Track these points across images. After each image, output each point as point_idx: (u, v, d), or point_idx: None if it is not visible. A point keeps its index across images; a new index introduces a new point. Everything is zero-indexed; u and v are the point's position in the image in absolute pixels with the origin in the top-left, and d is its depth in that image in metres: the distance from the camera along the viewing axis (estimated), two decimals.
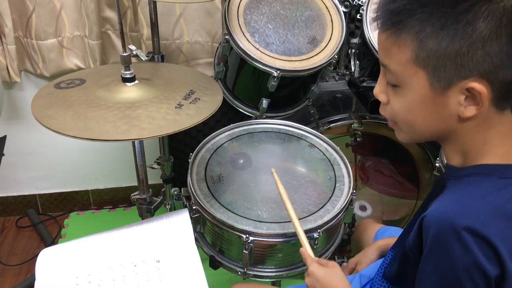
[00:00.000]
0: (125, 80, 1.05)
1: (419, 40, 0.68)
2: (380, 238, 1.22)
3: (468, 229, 0.66)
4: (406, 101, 0.74)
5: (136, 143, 1.11)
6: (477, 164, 0.74)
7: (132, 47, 1.01)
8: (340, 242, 1.29)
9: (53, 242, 2.00)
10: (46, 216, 2.16)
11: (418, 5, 0.67)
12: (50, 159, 2.07)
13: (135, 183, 2.17)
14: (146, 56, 1.33)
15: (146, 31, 1.72)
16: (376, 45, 1.49)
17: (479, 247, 0.66)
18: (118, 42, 1.80)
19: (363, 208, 1.39)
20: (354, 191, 1.21)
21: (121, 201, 2.23)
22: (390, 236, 1.21)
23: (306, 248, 1.01)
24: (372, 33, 1.51)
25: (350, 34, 1.73)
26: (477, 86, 0.67)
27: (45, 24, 1.72)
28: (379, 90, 0.80)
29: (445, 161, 0.83)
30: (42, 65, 1.79)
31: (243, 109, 1.55)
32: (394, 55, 0.72)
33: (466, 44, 0.66)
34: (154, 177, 1.71)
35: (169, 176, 1.64)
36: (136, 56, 1.03)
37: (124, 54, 1.01)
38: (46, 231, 2.06)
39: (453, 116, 0.72)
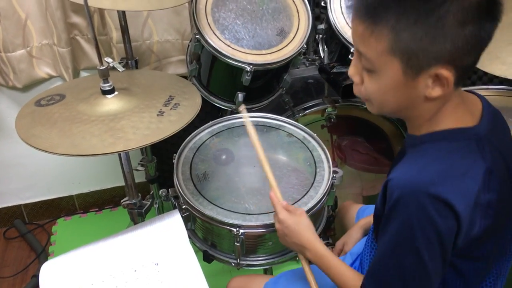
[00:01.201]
0: (105, 92, 1.07)
1: (395, 32, 0.73)
2: (361, 217, 1.30)
3: (427, 193, 0.74)
4: (380, 85, 0.81)
5: (122, 152, 1.14)
6: (431, 132, 0.83)
7: (109, 59, 1.03)
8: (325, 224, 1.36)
9: (44, 250, 2.01)
10: (34, 225, 2.17)
11: (393, 0, 0.73)
12: (31, 169, 2.07)
13: (119, 184, 2.22)
14: (120, 62, 1.35)
15: (115, 34, 1.73)
16: (341, 30, 1.55)
17: (435, 207, 0.74)
18: (88, 47, 1.81)
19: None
20: (335, 175, 1.28)
21: (107, 202, 2.26)
22: (370, 214, 1.29)
23: (276, 192, 1.08)
24: (337, 19, 1.55)
25: (316, 18, 1.77)
26: (445, 72, 0.74)
27: (12, 36, 1.71)
28: (354, 72, 0.85)
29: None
30: (13, 77, 1.79)
31: (219, 104, 1.59)
32: (371, 45, 0.77)
33: (437, 36, 0.72)
34: (137, 177, 1.74)
35: (153, 176, 1.67)
36: (113, 68, 1.05)
37: (102, 67, 1.03)
38: (35, 240, 2.07)
39: (420, 96, 0.79)
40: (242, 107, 1.23)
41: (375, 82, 0.81)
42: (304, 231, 1.03)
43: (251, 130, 1.14)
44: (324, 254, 0.99)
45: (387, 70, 0.78)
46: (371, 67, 0.80)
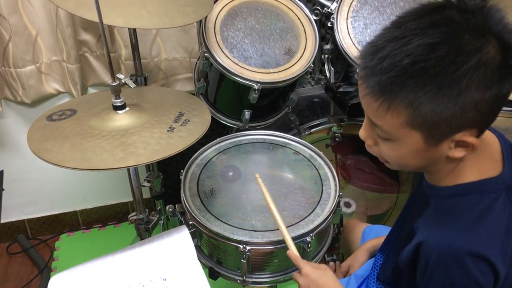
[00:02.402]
0: (116, 108, 1.09)
1: (413, 108, 0.69)
2: (367, 238, 1.30)
3: (468, 252, 0.73)
4: (399, 152, 0.78)
5: (131, 167, 1.15)
6: (457, 184, 0.80)
7: (121, 76, 1.05)
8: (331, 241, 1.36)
9: (47, 266, 2.01)
10: (37, 240, 2.16)
11: (409, 77, 0.68)
12: (35, 184, 2.08)
13: (123, 200, 2.22)
14: (130, 79, 1.36)
15: (124, 51, 1.75)
16: (347, 50, 1.56)
17: (477, 266, 0.73)
18: (96, 64, 1.83)
19: (347, 205, 1.46)
20: (341, 193, 1.28)
21: (110, 218, 2.25)
22: (375, 235, 1.29)
23: (294, 251, 1.07)
24: (343, 40, 1.57)
25: (321, 39, 1.80)
26: (470, 139, 0.72)
27: (22, 52, 1.73)
28: (366, 136, 0.82)
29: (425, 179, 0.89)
30: (22, 92, 1.80)
31: (226, 121, 1.61)
32: (387, 120, 0.73)
33: (459, 108, 0.68)
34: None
35: (159, 192, 1.67)
36: (125, 84, 1.07)
37: (114, 83, 1.05)
38: (38, 255, 2.07)
39: (442, 157, 0.77)
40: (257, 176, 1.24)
41: (393, 150, 0.78)
42: (331, 284, 1.00)
43: (269, 198, 1.16)
44: None
45: (406, 141, 0.75)
46: (388, 137, 0.77)
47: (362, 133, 0.82)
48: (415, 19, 0.70)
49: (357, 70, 0.76)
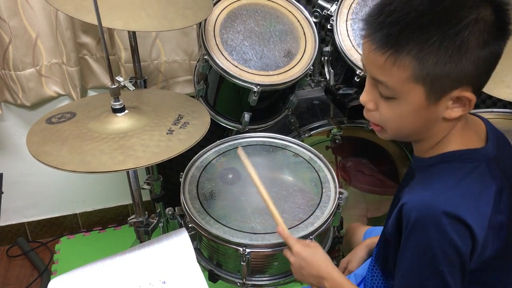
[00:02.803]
0: (116, 111, 1.08)
1: (419, 59, 0.73)
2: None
3: (444, 213, 0.75)
4: (399, 111, 0.80)
5: (130, 170, 1.15)
6: (441, 153, 0.83)
7: (120, 78, 1.05)
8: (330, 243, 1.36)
9: (47, 269, 2.00)
10: (37, 243, 2.16)
11: (415, 29, 0.72)
12: (35, 187, 2.08)
13: (123, 203, 2.22)
14: (130, 81, 1.37)
15: (123, 54, 1.75)
16: (347, 52, 1.56)
17: (454, 228, 0.75)
18: (96, 67, 1.83)
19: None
20: (340, 196, 1.28)
21: (110, 221, 2.25)
22: (376, 235, 1.28)
23: (284, 228, 1.08)
24: (343, 42, 1.57)
25: (321, 41, 1.80)
26: (468, 94, 0.76)
27: (22, 55, 1.73)
28: (368, 99, 0.84)
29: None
30: (22, 95, 1.81)
31: (225, 124, 1.60)
32: (393, 74, 0.76)
33: (460, 59, 0.72)
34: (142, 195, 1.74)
35: (159, 195, 1.67)
36: (124, 87, 1.07)
37: (113, 86, 1.04)
38: (38, 258, 2.06)
39: (439, 118, 0.80)
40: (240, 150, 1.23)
41: (394, 109, 0.80)
42: (322, 261, 1.03)
43: (248, 164, 1.16)
44: (344, 283, 0.99)
45: (409, 97, 0.77)
46: (391, 95, 0.79)
47: (363, 96, 0.84)
48: None
49: (363, 28, 0.79)
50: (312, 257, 1.03)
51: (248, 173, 1.16)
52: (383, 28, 0.74)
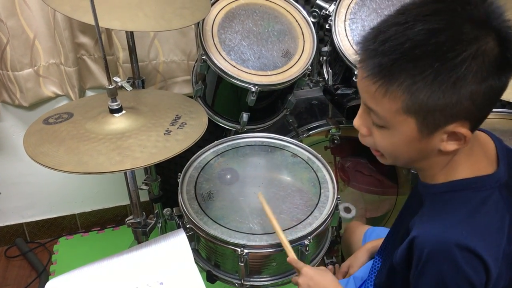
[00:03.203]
0: (113, 111, 1.08)
1: (411, 93, 0.70)
2: (368, 240, 1.30)
3: (457, 246, 0.73)
4: (392, 141, 0.78)
5: (128, 171, 1.15)
6: (450, 181, 0.80)
7: (117, 79, 1.05)
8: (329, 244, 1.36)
9: (45, 269, 2.00)
10: (35, 244, 2.16)
11: (408, 60, 0.69)
12: (34, 187, 2.07)
13: (121, 203, 2.21)
14: (127, 82, 1.36)
15: (121, 54, 1.75)
16: (345, 52, 1.56)
17: (467, 261, 0.73)
18: (94, 67, 1.83)
19: (347, 210, 1.46)
20: (339, 196, 1.28)
21: (109, 221, 2.25)
22: (377, 236, 1.28)
23: (294, 256, 1.08)
24: (341, 42, 1.57)
25: (320, 41, 1.80)
26: (463, 130, 0.73)
27: (20, 55, 1.73)
28: (361, 124, 0.82)
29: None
30: (20, 95, 1.80)
31: (224, 124, 1.60)
32: (384, 104, 0.73)
33: (455, 97, 0.69)
34: (140, 196, 1.74)
35: (157, 195, 1.67)
36: (121, 87, 1.07)
37: (110, 86, 1.04)
38: (36, 259, 2.06)
39: (435, 150, 0.77)
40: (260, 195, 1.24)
41: (387, 138, 0.78)
42: (330, 281, 1.02)
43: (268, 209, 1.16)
44: None
45: (400, 128, 0.75)
46: (383, 124, 0.77)
47: (356, 121, 0.82)
48: (418, 7, 0.71)
49: (358, 53, 0.77)
50: (320, 277, 1.02)
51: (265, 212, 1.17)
52: (375, 56, 0.72)
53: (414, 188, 0.93)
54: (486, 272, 0.74)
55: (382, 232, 1.29)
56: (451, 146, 0.75)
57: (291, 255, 1.09)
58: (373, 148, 0.84)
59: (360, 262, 1.23)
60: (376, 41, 0.72)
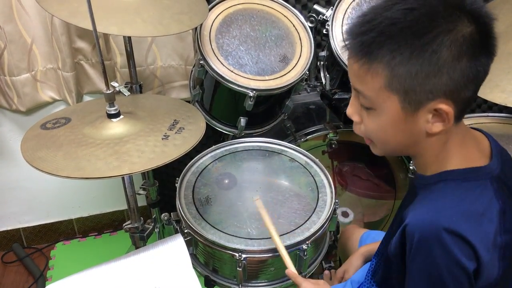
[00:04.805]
0: (111, 116, 1.08)
1: (391, 68, 0.74)
2: (364, 244, 1.30)
3: (446, 230, 0.74)
4: (379, 122, 0.81)
5: (125, 176, 1.14)
6: (442, 171, 0.82)
7: (115, 84, 1.05)
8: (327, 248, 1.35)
9: (42, 275, 1.99)
10: (32, 249, 2.15)
11: (387, 37, 0.73)
12: (30, 192, 2.07)
13: (119, 208, 2.21)
14: (125, 87, 1.36)
15: (119, 59, 1.75)
16: (343, 56, 1.56)
17: (458, 246, 0.74)
18: (92, 72, 1.83)
19: (345, 215, 1.46)
20: (337, 200, 1.28)
21: (106, 227, 2.24)
22: (373, 240, 1.28)
23: (292, 269, 1.08)
24: (338, 46, 1.57)
25: (317, 46, 1.80)
26: (444, 107, 0.75)
27: (17, 60, 1.73)
28: (353, 111, 0.85)
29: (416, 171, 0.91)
30: (17, 100, 1.80)
31: (221, 128, 1.60)
32: (368, 83, 0.77)
33: (432, 70, 0.72)
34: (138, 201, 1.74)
35: (155, 200, 1.67)
36: (119, 92, 1.07)
37: (108, 91, 1.04)
38: (33, 264, 2.05)
39: (422, 132, 0.79)
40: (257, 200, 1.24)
41: (375, 120, 0.81)
42: None
43: (265, 215, 1.16)
44: None
45: (385, 107, 0.78)
46: (370, 105, 0.80)
47: (348, 109, 0.86)
48: None
49: (345, 41, 0.82)
50: None
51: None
52: (357, 37, 0.76)
53: (410, 184, 0.94)
54: (476, 258, 0.75)
55: (378, 236, 1.29)
56: (436, 127, 0.77)
57: (290, 268, 1.09)
58: (365, 136, 0.87)
59: (355, 266, 1.23)
60: (358, 25, 0.77)
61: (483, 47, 0.74)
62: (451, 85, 0.73)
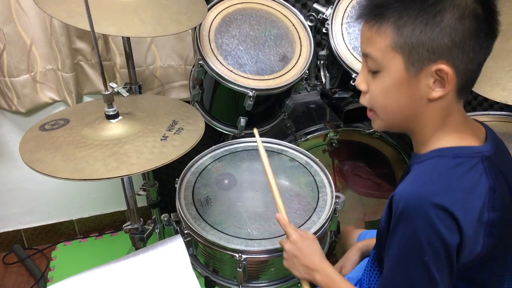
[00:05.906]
0: (109, 117, 1.08)
1: (397, 27, 0.78)
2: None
3: (431, 203, 0.75)
4: (384, 85, 0.84)
5: (124, 177, 1.14)
6: (435, 149, 0.84)
7: (114, 84, 1.05)
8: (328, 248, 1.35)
9: (43, 276, 1.99)
10: (33, 250, 2.15)
11: (396, 0, 0.78)
12: (31, 193, 2.07)
13: (119, 209, 2.21)
14: (124, 87, 1.36)
15: (119, 59, 1.75)
16: (343, 56, 1.56)
17: (440, 219, 0.75)
18: (91, 73, 1.83)
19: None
20: (337, 200, 1.27)
21: (107, 227, 2.24)
22: (370, 238, 1.28)
23: (283, 215, 1.09)
24: (338, 45, 1.57)
25: (317, 45, 1.80)
26: (445, 68, 0.77)
27: (17, 61, 1.73)
28: (361, 80, 0.89)
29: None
30: (17, 102, 1.80)
31: (221, 128, 1.60)
32: (376, 43, 0.81)
33: (436, 31, 0.76)
34: (139, 201, 1.73)
35: (155, 201, 1.66)
36: (117, 93, 1.06)
37: (106, 92, 1.04)
38: (34, 265, 2.05)
39: (423, 99, 0.82)
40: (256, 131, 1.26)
41: (379, 83, 0.84)
42: (317, 254, 1.03)
43: (263, 152, 1.17)
44: (336, 278, 0.99)
45: (390, 67, 0.81)
46: (376, 67, 0.83)
47: (357, 79, 0.90)
48: None
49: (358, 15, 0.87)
50: (307, 248, 1.03)
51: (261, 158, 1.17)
52: (370, 3, 0.82)
53: (406, 166, 0.95)
54: (460, 232, 0.76)
55: (375, 234, 1.29)
56: (437, 92, 0.80)
57: (282, 213, 1.09)
58: (369, 105, 0.89)
59: (351, 261, 1.23)
60: None
61: (485, 21, 0.77)
62: (453, 48, 0.76)
